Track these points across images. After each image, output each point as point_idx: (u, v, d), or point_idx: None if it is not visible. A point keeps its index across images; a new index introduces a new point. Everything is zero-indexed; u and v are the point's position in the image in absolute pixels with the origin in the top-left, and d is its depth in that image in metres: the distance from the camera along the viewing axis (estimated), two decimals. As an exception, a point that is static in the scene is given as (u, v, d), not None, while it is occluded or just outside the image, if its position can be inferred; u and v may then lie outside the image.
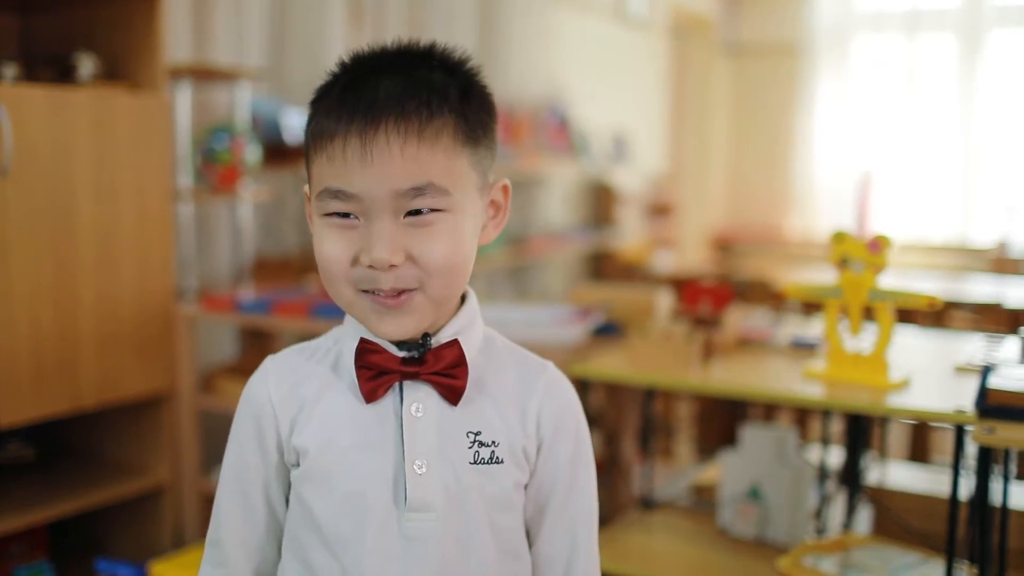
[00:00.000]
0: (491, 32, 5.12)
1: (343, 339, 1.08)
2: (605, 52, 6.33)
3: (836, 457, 2.79)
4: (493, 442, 1.04)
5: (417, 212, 0.98)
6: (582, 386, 2.35)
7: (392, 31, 4.36)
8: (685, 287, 2.55)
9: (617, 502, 2.68)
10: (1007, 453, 1.90)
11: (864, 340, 2.07)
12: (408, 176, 0.96)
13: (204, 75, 3.11)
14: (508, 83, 5.23)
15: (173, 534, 2.59)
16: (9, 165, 2.06)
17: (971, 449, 1.85)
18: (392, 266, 0.97)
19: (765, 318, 2.83)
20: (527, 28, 5.37)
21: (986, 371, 1.91)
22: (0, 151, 2.04)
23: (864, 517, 2.49)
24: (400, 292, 0.99)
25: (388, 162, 0.96)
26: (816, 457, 2.70)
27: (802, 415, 3.30)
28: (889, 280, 2.06)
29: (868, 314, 2.06)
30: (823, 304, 2.10)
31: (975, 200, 7.35)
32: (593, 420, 2.62)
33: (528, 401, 1.08)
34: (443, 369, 1.02)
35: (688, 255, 7.54)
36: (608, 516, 2.63)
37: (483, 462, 1.03)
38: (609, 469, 2.68)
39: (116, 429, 2.56)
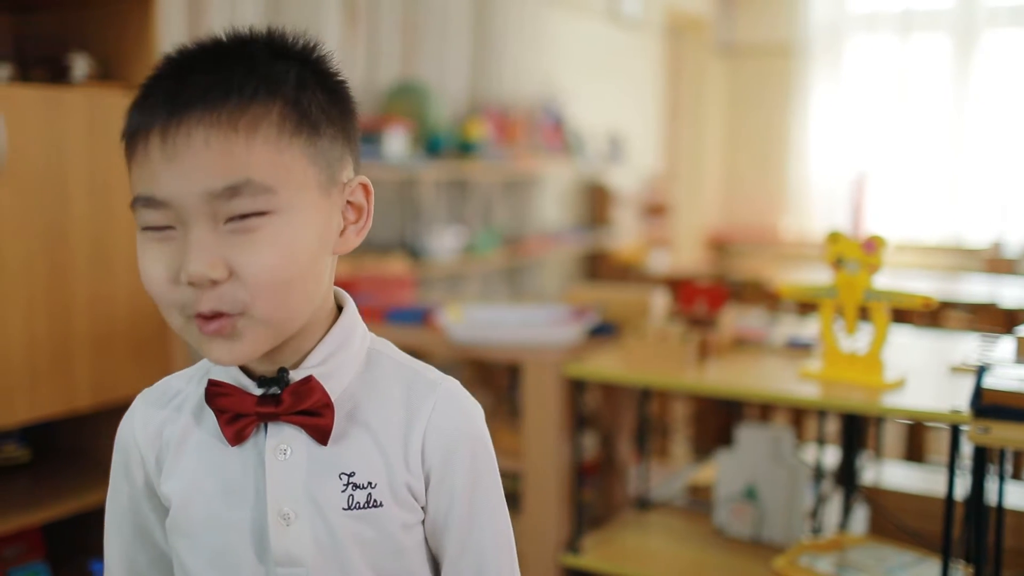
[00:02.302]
0: (485, 32, 5.11)
1: (208, 375, 0.95)
2: (599, 52, 6.33)
3: (832, 457, 2.79)
4: (369, 483, 0.91)
5: (239, 217, 0.82)
6: (578, 386, 2.35)
7: (386, 31, 4.36)
8: (681, 287, 2.55)
9: (613, 502, 2.68)
10: (1002, 453, 1.91)
11: (859, 340, 2.08)
12: (219, 173, 0.81)
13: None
14: (502, 83, 5.23)
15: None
16: (3, 166, 2.05)
17: (967, 449, 1.86)
18: (213, 282, 0.82)
19: (760, 318, 2.83)
20: (521, 28, 5.37)
21: (981, 371, 1.92)
22: (-6, 152, 2.04)
23: (860, 517, 2.49)
24: (218, 315, 0.83)
25: (193, 157, 0.81)
26: (812, 457, 2.70)
27: (798, 415, 3.30)
28: (884, 280, 2.06)
29: (863, 314, 2.06)
30: (818, 304, 2.11)
31: (969, 200, 7.36)
32: (589, 420, 2.62)
33: (411, 430, 0.93)
34: (306, 407, 0.89)
35: (683, 255, 7.54)
36: (604, 516, 2.63)
37: (359, 507, 0.90)
38: (605, 470, 2.68)
39: (111, 430, 2.55)
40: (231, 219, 0.82)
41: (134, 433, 0.99)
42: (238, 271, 0.82)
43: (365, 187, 0.94)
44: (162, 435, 0.97)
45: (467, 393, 0.99)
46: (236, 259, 0.82)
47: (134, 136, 0.85)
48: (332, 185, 0.90)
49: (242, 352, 0.86)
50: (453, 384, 0.98)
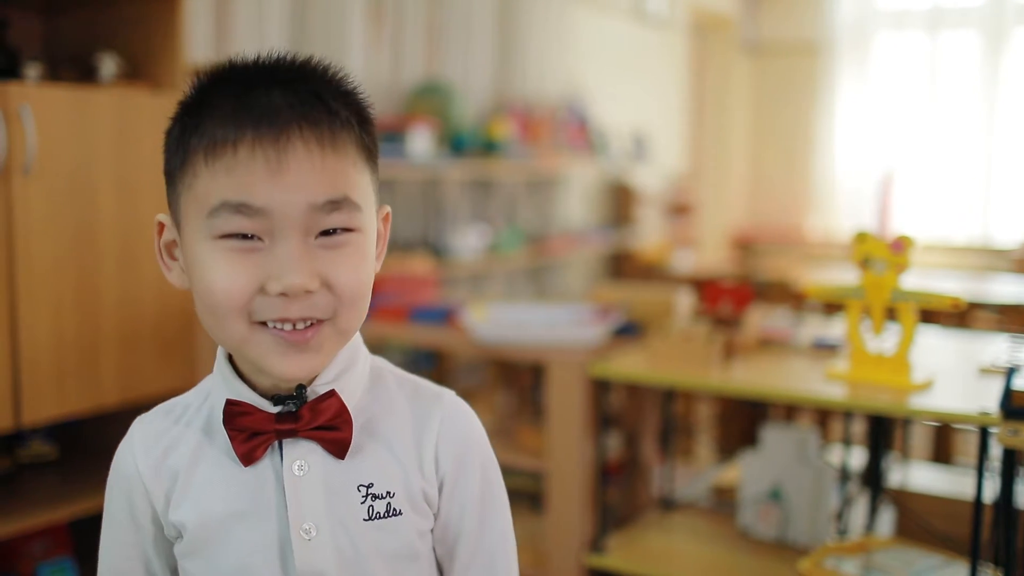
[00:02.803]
0: (510, 32, 5.11)
1: (214, 393, 0.96)
2: (624, 51, 6.31)
3: (858, 458, 2.77)
4: (388, 493, 0.93)
5: (329, 232, 0.87)
6: (602, 386, 2.34)
7: (411, 31, 4.37)
8: (706, 287, 2.54)
9: (637, 503, 2.67)
10: (1032, 455, 1.88)
11: (887, 341, 2.06)
12: (325, 188, 0.85)
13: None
14: (527, 82, 5.23)
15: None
16: (32, 165, 2.07)
17: (996, 451, 1.84)
18: (308, 292, 0.85)
19: (786, 318, 2.81)
20: (546, 27, 5.37)
21: (1011, 372, 1.90)
22: (24, 150, 2.05)
23: (886, 519, 2.47)
24: (311, 325, 0.87)
25: (305, 170, 0.84)
26: (837, 458, 2.68)
27: (823, 416, 3.28)
28: (911, 280, 2.04)
29: (890, 315, 2.04)
30: (845, 305, 2.09)
31: (998, 199, 7.29)
32: (613, 420, 2.61)
33: (423, 439, 0.97)
34: (324, 422, 0.91)
35: (707, 255, 7.51)
36: (628, 516, 2.62)
37: (379, 516, 0.93)
38: (629, 470, 2.68)
39: (137, 428, 2.57)
40: (322, 233, 0.87)
41: (135, 460, 0.97)
42: (331, 283, 0.87)
43: (387, 216, 0.99)
44: (168, 461, 0.95)
45: (466, 403, 1.03)
46: (328, 271, 0.86)
47: (233, 144, 0.85)
48: (378, 212, 0.96)
49: (312, 364, 0.89)
50: (454, 395, 1.02)
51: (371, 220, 0.92)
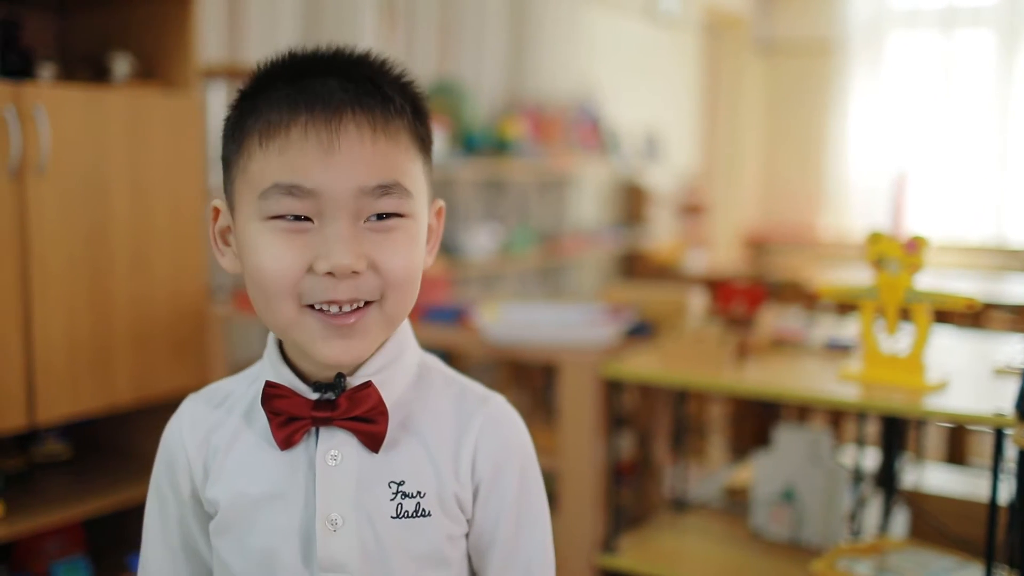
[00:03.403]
0: (522, 31, 5.11)
1: (261, 378, 0.97)
2: (637, 51, 6.31)
3: (871, 459, 2.76)
4: (419, 492, 0.93)
5: (379, 216, 0.88)
6: (614, 386, 2.34)
7: (423, 30, 4.37)
8: (719, 287, 2.53)
9: (649, 503, 2.67)
10: (1048, 457, 1.87)
11: (900, 341, 2.05)
12: (376, 172, 0.87)
13: (237, 75, 3.13)
14: (539, 82, 5.22)
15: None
16: (46, 164, 2.08)
17: (1011, 452, 1.82)
18: (354, 273, 0.86)
19: (798, 319, 2.80)
20: (558, 27, 5.36)
21: (1026, 373, 1.88)
22: (38, 150, 2.06)
23: (900, 521, 2.46)
24: (357, 308, 0.88)
25: (356, 153, 0.86)
26: (851, 459, 2.67)
27: (836, 417, 3.27)
28: (925, 280, 2.03)
29: (904, 315, 2.03)
30: (858, 305, 2.08)
31: (1013, 199, 7.25)
32: (625, 421, 2.61)
33: (462, 441, 0.95)
34: (361, 414, 0.91)
35: (720, 255, 7.50)
36: (640, 517, 2.62)
37: (407, 515, 0.92)
38: (641, 470, 2.67)
39: (150, 427, 2.58)
40: (371, 217, 0.88)
41: (182, 435, 0.99)
42: (378, 266, 0.87)
43: (440, 210, 1.00)
44: (210, 441, 0.97)
45: (514, 409, 1.02)
46: (376, 255, 0.87)
47: (286, 126, 0.86)
48: (429, 203, 0.96)
49: (357, 350, 0.90)
50: (502, 400, 1.01)
51: (422, 209, 0.93)
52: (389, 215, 0.88)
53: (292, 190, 0.86)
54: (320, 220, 0.86)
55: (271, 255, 0.87)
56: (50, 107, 2.08)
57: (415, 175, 0.91)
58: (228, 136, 0.93)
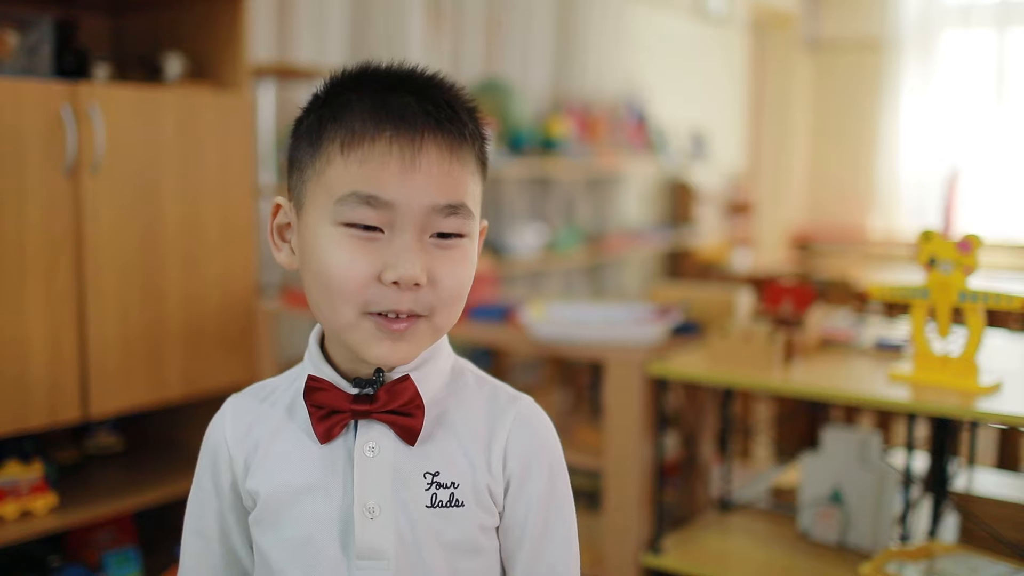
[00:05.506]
0: (569, 30, 5.10)
1: (302, 377, 1.00)
2: (684, 49, 6.27)
3: (921, 462, 2.72)
4: (453, 483, 0.96)
5: (441, 235, 0.92)
6: (661, 385, 2.33)
7: (471, 30, 4.38)
8: (767, 287, 2.51)
9: (695, 503, 2.65)
10: (1104, 461, 1.84)
11: (953, 343, 2.02)
12: (447, 191, 0.91)
13: (286, 74, 3.16)
14: (586, 80, 5.21)
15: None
16: (101, 163, 2.11)
17: (1066, 457, 1.79)
18: (416, 285, 0.90)
19: (847, 319, 2.77)
20: (605, 25, 5.35)
21: (1082, 376, 1.85)
22: (93, 149, 2.10)
23: (950, 525, 2.42)
24: (411, 316, 0.92)
25: (434, 172, 0.90)
26: (900, 462, 2.64)
27: (884, 419, 3.22)
28: (977, 281, 2.00)
29: (956, 316, 2.00)
30: (909, 305, 2.05)
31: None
32: (671, 420, 2.59)
33: (494, 436, 0.99)
34: (398, 407, 0.95)
35: (766, 254, 7.43)
36: (685, 517, 2.61)
37: (441, 505, 0.96)
38: (687, 470, 2.66)
39: (199, 421, 2.61)
40: (436, 235, 0.92)
41: (224, 429, 1.03)
42: (437, 280, 0.92)
43: (484, 230, 1.04)
44: (252, 433, 1.01)
45: (543, 410, 1.06)
46: (436, 269, 0.92)
47: (371, 139, 0.90)
48: (479, 224, 1.00)
49: (404, 353, 0.94)
50: (531, 400, 1.05)
51: (476, 230, 0.97)
52: (451, 234, 0.93)
53: (370, 200, 0.89)
54: (390, 231, 0.90)
55: (343, 260, 0.90)
56: (105, 106, 2.11)
57: (476, 197, 0.96)
58: (302, 139, 0.96)
